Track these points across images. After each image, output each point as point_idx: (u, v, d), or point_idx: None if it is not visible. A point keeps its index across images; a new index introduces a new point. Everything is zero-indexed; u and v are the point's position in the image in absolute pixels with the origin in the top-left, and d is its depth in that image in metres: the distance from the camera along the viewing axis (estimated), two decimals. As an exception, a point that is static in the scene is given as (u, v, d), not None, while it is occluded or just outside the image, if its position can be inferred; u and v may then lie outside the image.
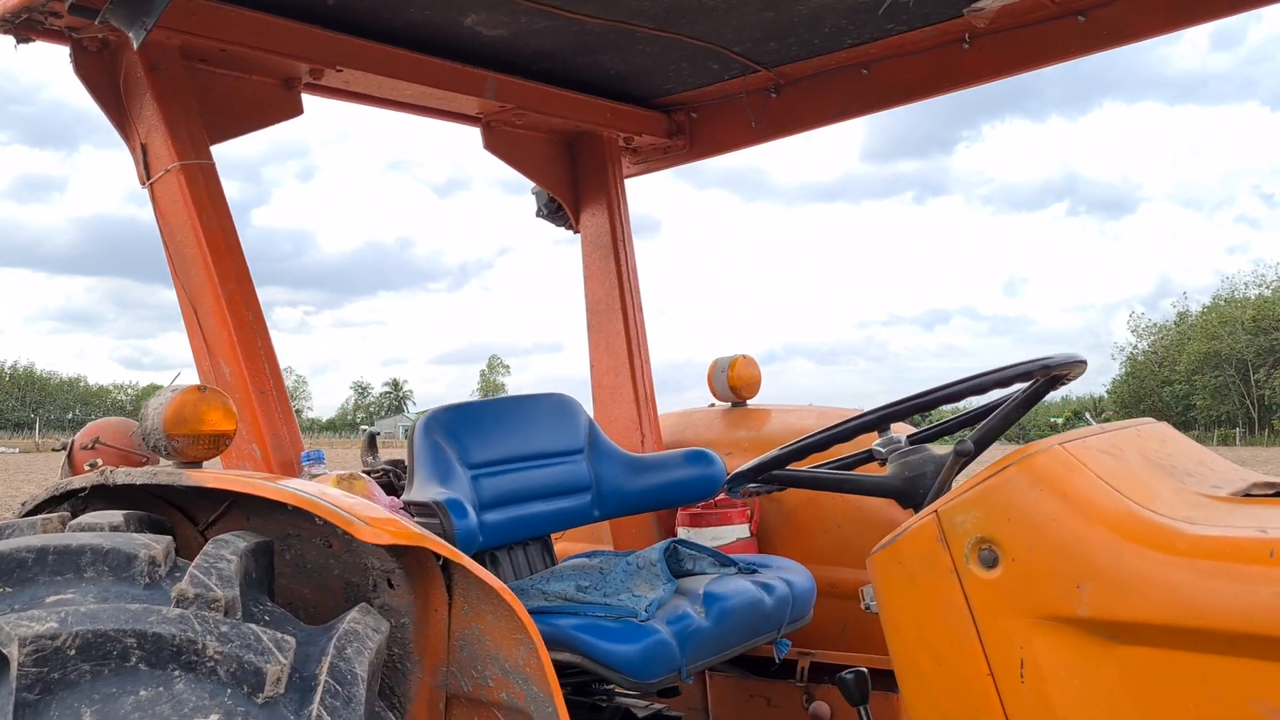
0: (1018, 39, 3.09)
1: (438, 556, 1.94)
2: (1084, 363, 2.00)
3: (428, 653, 1.98)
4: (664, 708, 2.92)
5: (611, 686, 2.58)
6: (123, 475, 2.07)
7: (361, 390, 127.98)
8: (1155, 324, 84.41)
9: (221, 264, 2.54)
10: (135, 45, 2.12)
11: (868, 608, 1.80)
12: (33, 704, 1.43)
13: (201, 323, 2.54)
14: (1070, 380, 2.02)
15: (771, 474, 2.12)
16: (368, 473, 3.04)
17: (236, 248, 2.59)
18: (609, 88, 3.60)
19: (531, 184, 3.83)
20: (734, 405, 3.64)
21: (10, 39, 2.50)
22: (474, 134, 3.57)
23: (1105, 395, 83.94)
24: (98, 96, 2.59)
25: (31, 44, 2.52)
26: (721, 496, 3.15)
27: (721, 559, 2.73)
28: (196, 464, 2.11)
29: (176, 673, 1.54)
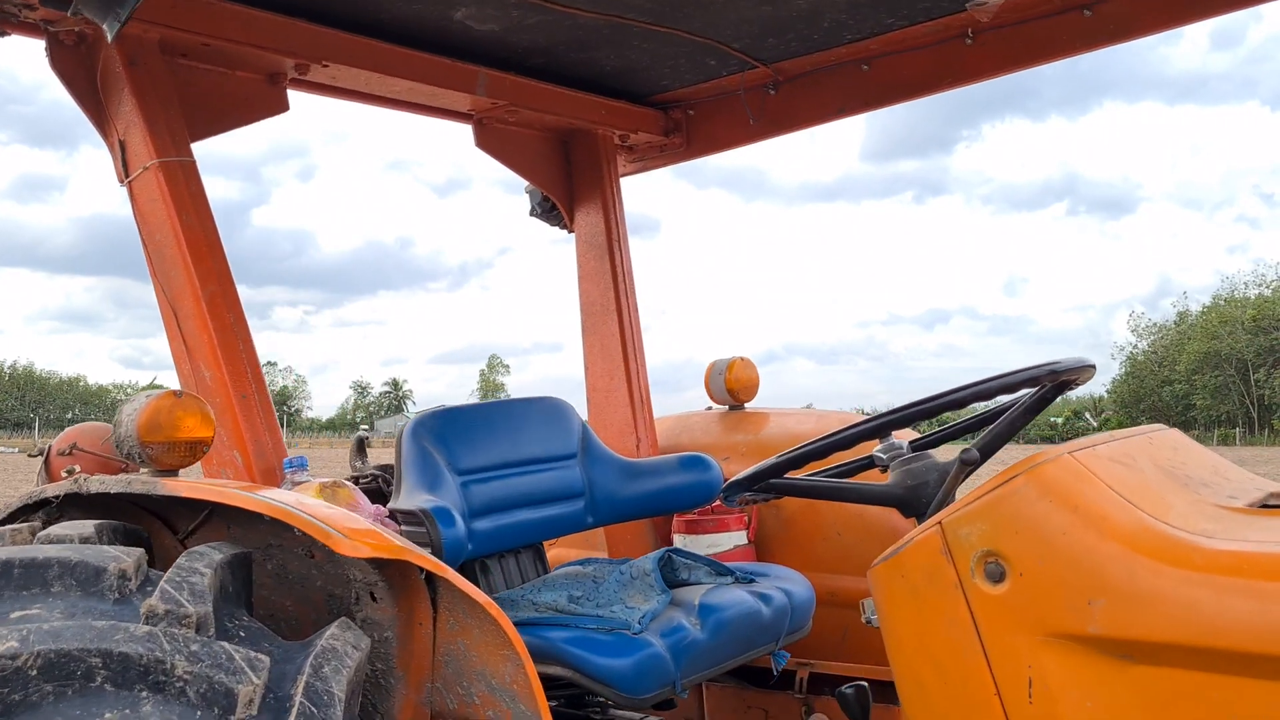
0: (1021, 34, 3.03)
1: (421, 569, 1.88)
2: (1093, 367, 1.96)
3: (412, 668, 1.92)
4: None
5: (605, 700, 2.52)
6: (97, 483, 2.00)
7: (361, 390, 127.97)
8: (1155, 324, 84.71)
9: (202, 265, 2.47)
10: (109, 38, 2.06)
11: (869, 621, 1.75)
12: (-9, 727, 1.37)
13: (181, 325, 2.47)
14: (1078, 385, 1.98)
15: (769, 482, 2.07)
16: (356, 479, 2.97)
17: (218, 248, 2.52)
18: (604, 84, 3.53)
19: (525, 183, 3.77)
20: (731, 408, 3.58)
21: None
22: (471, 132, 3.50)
23: (1105, 395, 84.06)
24: (74, 92, 2.52)
25: (7, 37, 2.45)
26: (718, 503, 3.09)
27: (718, 568, 2.67)
28: (173, 472, 2.04)
29: (144, 694, 1.47)
